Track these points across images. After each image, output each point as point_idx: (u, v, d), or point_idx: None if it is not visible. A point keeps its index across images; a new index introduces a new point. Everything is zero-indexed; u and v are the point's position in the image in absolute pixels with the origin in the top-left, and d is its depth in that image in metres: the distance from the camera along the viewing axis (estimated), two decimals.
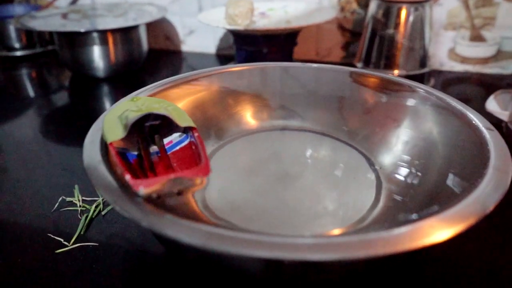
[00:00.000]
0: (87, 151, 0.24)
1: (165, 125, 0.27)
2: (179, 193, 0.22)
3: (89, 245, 0.30)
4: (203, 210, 0.26)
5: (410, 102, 0.33)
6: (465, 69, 0.62)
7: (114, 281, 0.27)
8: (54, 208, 0.33)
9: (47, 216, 0.33)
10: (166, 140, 0.27)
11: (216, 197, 0.28)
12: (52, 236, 0.30)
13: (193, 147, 0.26)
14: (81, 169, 0.39)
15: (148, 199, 0.21)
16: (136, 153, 0.26)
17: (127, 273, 0.27)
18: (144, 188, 0.20)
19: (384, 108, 0.34)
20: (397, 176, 0.29)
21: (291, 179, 0.30)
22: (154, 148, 0.27)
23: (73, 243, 0.30)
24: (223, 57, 0.71)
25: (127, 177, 0.21)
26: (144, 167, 0.26)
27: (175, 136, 0.27)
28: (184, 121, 0.27)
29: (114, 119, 0.26)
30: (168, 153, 0.27)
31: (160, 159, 0.27)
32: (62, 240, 0.30)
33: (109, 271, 0.28)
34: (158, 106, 0.27)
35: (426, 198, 0.25)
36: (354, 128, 0.34)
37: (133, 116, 0.25)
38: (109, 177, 0.22)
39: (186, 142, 0.27)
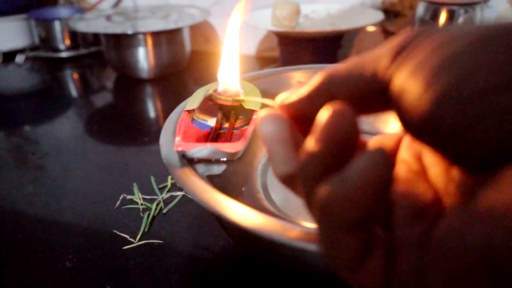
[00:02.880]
0: (165, 150, 0.25)
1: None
2: (216, 161, 0.25)
3: (155, 242, 0.30)
4: (275, 212, 0.26)
5: None
6: None
7: (183, 279, 0.27)
8: (116, 205, 0.34)
9: (110, 213, 0.34)
10: (241, 119, 0.29)
11: (282, 197, 0.28)
12: (118, 232, 0.31)
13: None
14: (138, 168, 0.40)
15: (191, 161, 0.24)
16: (211, 125, 0.29)
17: (194, 271, 0.28)
18: (181, 148, 0.24)
19: None
20: None
21: None
22: (227, 124, 0.29)
23: (139, 240, 0.30)
24: (263, 59, 0.71)
25: (176, 138, 0.24)
26: (208, 137, 0.28)
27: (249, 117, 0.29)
28: (250, 105, 0.28)
29: (201, 92, 0.29)
30: (234, 130, 0.28)
31: (226, 134, 0.28)
32: (127, 236, 0.31)
33: (177, 268, 0.28)
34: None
35: None
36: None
37: (207, 92, 0.28)
38: (188, 171, 0.22)
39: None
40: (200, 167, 0.25)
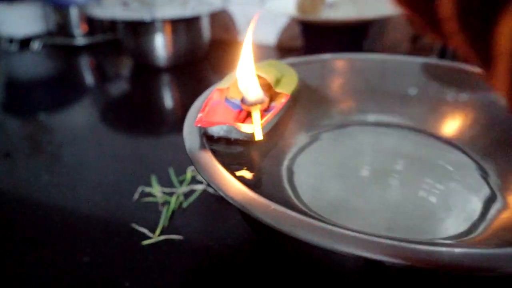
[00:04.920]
0: (188, 141, 0.23)
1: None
2: (235, 141, 0.25)
3: (175, 238, 0.29)
4: (306, 210, 0.24)
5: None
6: None
7: (204, 277, 0.26)
8: (135, 198, 0.33)
9: (128, 206, 0.32)
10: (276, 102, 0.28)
11: (312, 196, 0.26)
12: (137, 226, 0.30)
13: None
14: (155, 160, 0.39)
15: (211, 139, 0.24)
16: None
17: (216, 268, 0.26)
18: (200, 125, 0.23)
19: (471, 102, 0.32)
20: (507, 179, 0.27)
21: (388, 178, 0.28)
22: None
23: (158, 235, 0.29)
24: (284, 49, 0.69)
25: (199, 114, 0.24)
26: (238, 117, 0.27)
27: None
28: (280, 87, 0.28)
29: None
30: (266, 112, 0.27)
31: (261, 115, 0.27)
32: (146, 231, 0.29)
33: (198, 265, 0.27)
34: (272, 70, 0.29)
35: None
36: (449, 124, 0.32)
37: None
38: (216, 166, 0.21)
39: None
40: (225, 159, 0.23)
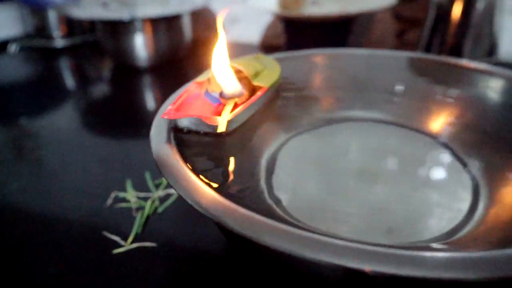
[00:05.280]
0: (155, 143, 0.22)
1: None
2: (205, 133, 0.24)
3: (148, 245, 0.27)
4: (281, 213, 0.23)
5: (489, 86, 0.29)
6: None
7: (178, 285, 0.24)
8: (107, 204, 0.31)
9: (100, 212, 0.30)
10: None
11: (290, 197, 0.25)
12: (108, 234, 0.28)
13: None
14: (131, 163, 0.37)
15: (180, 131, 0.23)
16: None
17: (190, 276, 0.25)
18: (167, 117, 0.23)
19: (458, 97, 0.30)
20: (493, 175, 0.25)
21: (370, 177, 0.27)
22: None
23: (131, 243, 0.27)
24: (268, 47, 0.68)
25: (169, 107, 0.23)
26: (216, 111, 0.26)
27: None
28: (258, 80, 0.27)
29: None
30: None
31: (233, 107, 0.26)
32: (118, 239, 0.28)
33: (172, 273, 0.25)
34: (253, 63, 0.28)
35: None
36: (437, 120, 0.31)
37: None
38: (183, 171, 0.19)
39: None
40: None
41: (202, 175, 0.20)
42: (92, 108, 0.52)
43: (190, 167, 0.20)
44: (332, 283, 0.20)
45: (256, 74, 0.28)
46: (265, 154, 0.28)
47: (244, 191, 0.23)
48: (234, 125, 0.25)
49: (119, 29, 0.57)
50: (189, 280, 0.25)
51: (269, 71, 0.29)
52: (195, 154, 0.23)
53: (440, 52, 0.53)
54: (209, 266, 0.26)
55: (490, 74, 0.31)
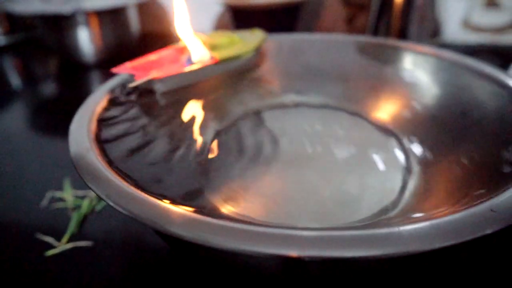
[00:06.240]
0: (74, 138, 0.21)
1: None
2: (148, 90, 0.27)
3: (83, 244, 0.26)
4: (212, 203, 0.23)
5: (433, 69, 0.30)
6: (479, 39, 0.58)
7: (112, 284, 0.24)
8: (43, 204, 0.30)
9: (35, 214, 0.29)
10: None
11: (224, 185, 0.24)
12: (41, 236, 0.27)
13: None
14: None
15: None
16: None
17: (126, 274, 0.24)
18: (116, 72, 0.26)
19: (401, 79, 0.31)
20: (428, 155, 0.26)
21: (307, 162, 0.27)
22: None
23: (65, 244, 0.26)
24: None
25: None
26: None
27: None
28: (216, 51, 0.29)
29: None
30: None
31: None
32: (52, 240, 0.27)
33: (107, 272, 0.24)
34: (230, 37, 0.31)
35: (468, 181, 0.21)
36: (373, 102, 0.31)
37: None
38: (100, 167, 0.19)
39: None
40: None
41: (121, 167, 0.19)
42: (36, 108, 0.50)
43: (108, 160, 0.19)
44: (259, 272, 0.19)
45: (219, 46, 0.30)
46: (204, 139, 0.27)
47: (173, 180, 0.22)
48: (168, 87, 0.27)
49: (61, 24, 0.55)
50: (127, 279, 0.24)
51: (240, 45, 0.30)
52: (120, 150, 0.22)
53: (387, 36, 0.53)
54: (148, 264, 0.25)
55: (435, 56, 0.31)
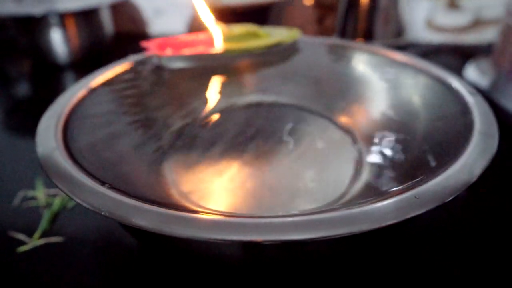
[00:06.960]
0: (41, 138, 0.22)
1: None
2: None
3: (54, 240, 0.27)
4: (176, 195, 0.24)
5: (389, 71, 0.32)
6: (441, 38, 0.61)
7: (82, 279, 0.25)
8: (15, 203, 0.31)
9: (6, 212, 0.30)
10: None
11: (186, 181, 0.26)
12: (14, 233, 0.28)
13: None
14: None
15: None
16: None
17: (97, 269, 0.25)
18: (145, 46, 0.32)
19: (361, 79, 0.33)
20: (379, 149, 0.28)
21: (269, 158, 0.29)
22: None
23: (36, 240, 0.27)
24: None
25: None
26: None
27: None
28: (229, 43, 0.32)
29: None
30: None
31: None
32: (24, 237, 0.28)
33: (77, 267, 0.25)
34: (255, 31, 0.34)
35: (410, 169, 0.23)
36: (333, 101, 0.33)
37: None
38: (66, 166, 0.20)
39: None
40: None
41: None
42: (9, 108, 0.50)
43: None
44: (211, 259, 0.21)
45: (237, 38, 0.33)
46: (164, 134, 0.29)
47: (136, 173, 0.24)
48: (177, 65, 0.30)
49: (34, 26, 0.55)
50: (97, 273, 0.25)
51: (258, 41, 0.33)
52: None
53: (353, 36, 0.55)
54: (118, 258, 0.26)
55: (386, 56, 0.33)
